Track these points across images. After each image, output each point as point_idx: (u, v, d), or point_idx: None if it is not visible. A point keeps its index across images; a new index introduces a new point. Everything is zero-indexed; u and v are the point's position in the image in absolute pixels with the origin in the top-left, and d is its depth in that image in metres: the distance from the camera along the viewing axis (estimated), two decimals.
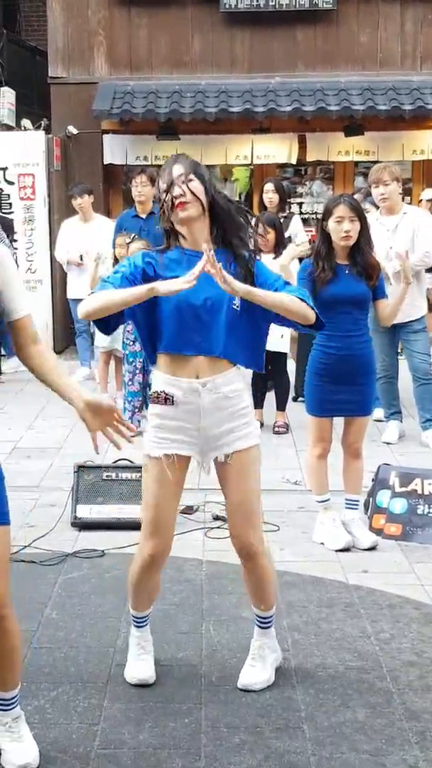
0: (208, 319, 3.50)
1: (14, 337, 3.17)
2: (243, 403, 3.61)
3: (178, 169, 3.48)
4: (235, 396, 3.58)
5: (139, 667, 3.80)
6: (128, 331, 7.58)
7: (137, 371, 7.60)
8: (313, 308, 3.54)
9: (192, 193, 3.46)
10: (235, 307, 3.50)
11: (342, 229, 5.02)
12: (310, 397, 5.29)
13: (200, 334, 3.51)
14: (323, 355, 5.20)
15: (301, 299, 3.52)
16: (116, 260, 7.76)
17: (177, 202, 3.44)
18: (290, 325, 3.61)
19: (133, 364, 7.60)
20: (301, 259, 7.57)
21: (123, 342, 7.75)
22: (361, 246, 5.12)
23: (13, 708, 3.26)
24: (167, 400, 3.54)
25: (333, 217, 5.04)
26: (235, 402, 3.58)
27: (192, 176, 3.47)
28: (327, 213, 5.09)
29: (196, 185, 3.48)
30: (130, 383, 7.64)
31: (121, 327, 7.78)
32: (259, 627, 3.84)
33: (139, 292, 3.38)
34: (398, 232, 7.16)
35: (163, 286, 3.34)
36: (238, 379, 3.61)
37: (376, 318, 5.48)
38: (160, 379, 3.58)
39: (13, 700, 3.26)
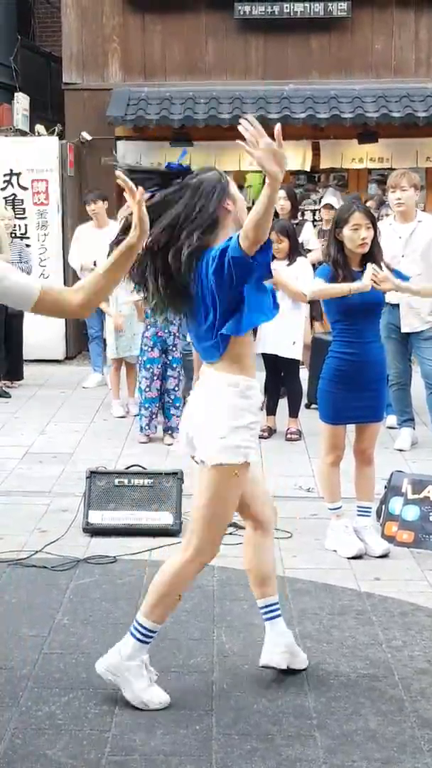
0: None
1: (55, 308, 2.91)
2: None
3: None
4: None
5: (157, 691, 3.65)
6: (147, 337, 7.57)
7: (155, 378, 7.57)
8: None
9: None
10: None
11: (359, 237, 5.01)
12: (325, 405, 5.26)
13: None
14: (340, 362, 5.17)
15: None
16: None
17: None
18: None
19: (151, 370, 7.56)
20: (314, 266, 7.59)
21: (141, 348, 7.71)
22: (374, 252, 5.11)
23: None
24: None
25: (349, 225, 5.02)
26: None
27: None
28: (341, 221, 5.07)
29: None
30: (147, 390, 7.58)
31: (140, 333, 7.87)
32: (277, 617, 3.87)
33: None
34: (412, 240, 7.14)
35: None
36: None
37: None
38: (245, 371, 3.55)
39: None
